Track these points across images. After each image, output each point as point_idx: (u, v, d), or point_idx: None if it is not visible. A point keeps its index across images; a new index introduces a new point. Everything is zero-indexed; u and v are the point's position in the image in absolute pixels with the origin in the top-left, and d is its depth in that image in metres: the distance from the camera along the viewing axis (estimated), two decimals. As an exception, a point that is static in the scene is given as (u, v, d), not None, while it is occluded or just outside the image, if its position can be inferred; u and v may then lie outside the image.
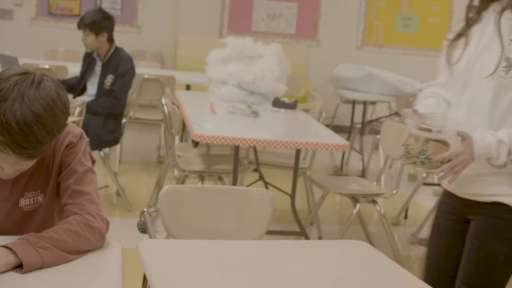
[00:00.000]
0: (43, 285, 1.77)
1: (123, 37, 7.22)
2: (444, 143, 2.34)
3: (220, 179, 4.73)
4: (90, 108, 5.31)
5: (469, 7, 2.53)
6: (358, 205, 4.47)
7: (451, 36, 2.56)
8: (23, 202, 2.15)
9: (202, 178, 4.62)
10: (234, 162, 4.23)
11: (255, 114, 4.82)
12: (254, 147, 5.16)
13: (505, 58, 2.37)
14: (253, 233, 2.63)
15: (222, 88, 5.41)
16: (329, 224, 5.52)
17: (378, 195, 4.55)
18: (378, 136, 4.85)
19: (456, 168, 2.34)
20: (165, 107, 4.74)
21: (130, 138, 7.50)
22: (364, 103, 7.50)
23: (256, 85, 5.33)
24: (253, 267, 2.04)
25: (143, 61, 8.11)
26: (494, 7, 2.46)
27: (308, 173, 5.01)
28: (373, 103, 8.21)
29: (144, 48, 9.04)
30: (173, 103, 5.07)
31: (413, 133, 2.37)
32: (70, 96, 5.61)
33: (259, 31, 9.36)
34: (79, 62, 6.12)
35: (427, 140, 2.34)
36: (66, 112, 1.97)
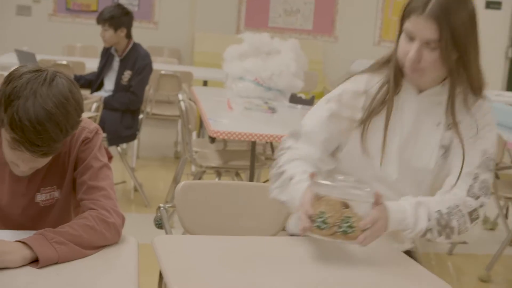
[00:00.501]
0: (59, 280, 1.77)
1: (140, 33, 7.22)
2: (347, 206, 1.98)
3: (237, 175, 4.73)
4: (107, 104, 5.32)
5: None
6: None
7: (355, 114, 2.21)
8: (40, 198, 2.16)
9: (219, 174, 4.61)
10: (251, 158, 4.22)
11: (272, 110, 4.81)
12: (271, 143, 5.14)
13: (441, 146, 2.20)
14: (269, 229, 2.62)
15: (239, 84, 5.40)
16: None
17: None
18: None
19: (375, 235, 1.99)
20: (182, 103, 4.74)
21: (148, 133, 7.51)
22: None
23: (273, 81, 5.32)
24: (269, 263, 2.03)
25: (160, 57, 8.12)
26: (406, 86, 2.22)
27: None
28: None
29: (161, 44, 9.05)
30: (190, 99, 5.07)
31: (326, 197, 1.96)
32: (87, 92, 5.63)
33: (276, 27, 9.34)
34: (96, 58, 6.14)
35: (345, 204, 1.96)
36: (79, 109, 1.97)
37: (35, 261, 1.83)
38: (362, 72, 2.30)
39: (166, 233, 2.57)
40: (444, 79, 2.18)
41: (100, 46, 5.79)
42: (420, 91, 2.21)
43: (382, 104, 2.19)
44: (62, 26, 9.00)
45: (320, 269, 2.00)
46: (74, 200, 2.19)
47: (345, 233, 1.95)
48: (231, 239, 2.24)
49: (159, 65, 6.79)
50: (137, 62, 5.50)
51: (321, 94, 8.82)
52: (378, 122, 2.21)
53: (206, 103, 4.86)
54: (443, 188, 2.18)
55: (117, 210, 2.07)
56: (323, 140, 2.24)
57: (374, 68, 2.28)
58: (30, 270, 1.81)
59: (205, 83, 7.02)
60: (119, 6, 5.59)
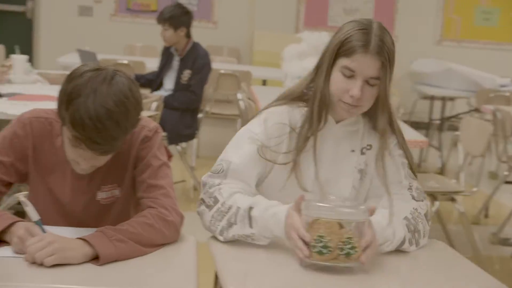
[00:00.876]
0: (119, 277, 1.79)
1: (199, 33, 7.25)
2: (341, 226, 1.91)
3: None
4: (167, 103, 5.36)
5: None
6: (437, 202, 4.39)
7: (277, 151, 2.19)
8: (100, 196, 2.17)
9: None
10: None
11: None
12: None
13: (358, 171, 2.24)
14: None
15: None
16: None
17: (457, 192, 4.45)
18: (457, 133, 4.75)
19: (374, 253, 1.96)
20: (241, 102, 4.74)
21: (207, 133, 7.54)
22: (443, 99, 7.36)
23: (332, 80, 5.28)
24: (326, 267, 2.01)
25: (220, 56, 8.15)
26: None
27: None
28: (452, 99, 8.04)
29: (220, 43, 9.08)
30: (249, 98, 5.07)
31: (321, 220, 1.89)
32: (147, 91, 5.68)
33: (335, 26, 9.27)
34: (156, 57, 6.19)
35: (341, 225, 1.88)
36: (139, 108, 1.98)
37: (95, 258, 1.85)
38: (277, 104, 2.27)
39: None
40: None
41: (160, 45, 5.84)
42: (337, 121, 2.23)
43: (306, 140, 2.19)
44: (123, 26, 9.11)
45: (380, 270, 1.98)
46: (134, 198, 2.20)
47: (348, 255, 1.89)
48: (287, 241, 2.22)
49: (218, 65, 6.82)
50: (196, 61, 5.53)
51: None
52: (303, 156, 2.20)
53: (265, 103, 4.83)
54: (382, 205, 2.17)
55: (176, 208, 2.08)
56: (256, 174, 2.20)
57: (288, 100, 2.26)
58: (91, 267, 1.83)
59: (264, 83, 7.02)
60: (179, 6, 5.63)
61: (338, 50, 2.10)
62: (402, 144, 2.27)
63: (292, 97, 2.26)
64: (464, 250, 2.15)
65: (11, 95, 4.31)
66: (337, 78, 2.12)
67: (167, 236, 2.01)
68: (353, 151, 2.24)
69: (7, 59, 5.13)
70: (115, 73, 1.94)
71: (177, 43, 5.57)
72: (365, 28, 2.09)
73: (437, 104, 7.64)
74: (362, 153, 2.24)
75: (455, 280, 1.98)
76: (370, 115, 2.22)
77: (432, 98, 7.55)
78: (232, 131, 7.65)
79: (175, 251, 2.00)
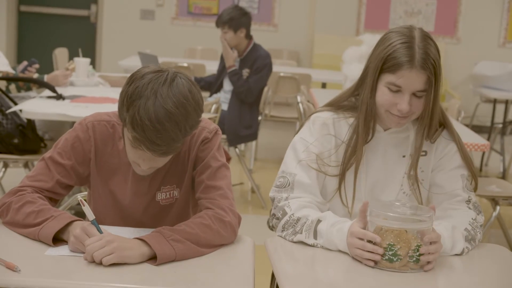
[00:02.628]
0: (176, 277, 1.80)
1: (260, 35, 7.26)
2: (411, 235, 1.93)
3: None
4: (239, 94, 5.41)
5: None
6: (498, 207, 4.31)
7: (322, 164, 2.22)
8: (160, 196, 2.20)
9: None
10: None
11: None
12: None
13: (409, 176, 2.24)
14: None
15: (358, 86, 5.34)
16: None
17: (520, 197, 4.37)
18: (520, 137, 4.65)
19: (437, 257, 1.97)
20: (300, 105, 4.74)
21: (266, 135, 7.55)
22: (506, 102, 7.23)
23: (393, 83, 5.23)
24: (386, 273, 1.98)
25: (280, 59, 8.15)
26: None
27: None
28: (515, 102, 7.91)
29: (280, 46, 9.09)
30: (308, 101, 5.06)
31: (389, 228, 1.91)
32: (206, 94, 5.71)
33: (397, 29, 9.18)
34: (216, 60, 6.22)
35: (414, 236, 1.92)
36: (199, 110, 1.99)
37: (152, 258, 1.87)
38: (324, 109, 2.29)
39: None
40: None
41: (220, 48, 5.85)
42: (385, 129, 2.24)
43: (354, 153, 2.21)
44: (184, 29, 9.18)
45: (440, 274, 1.95)
46: (193, 199, 2.22)
47: (417, 262, 1.92)
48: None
49: (278, 67, 6.82)
50: (257, 61, 5.52)
51: (442, 97, 8.63)
52: (350, 171, 2.23)
53: (324, 105, 4.83)
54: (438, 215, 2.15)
55: (234, 209, 2.08)
56: (318, 184, 2.22)
57: (334, 107, 2.28)
58: (149, 266, 1.85)
59: (323, 85, 7.00)
60: (237, 8, 5.63)
61: (382, 66, 2.11)
62: (462, 153, 2.26)
63: (338, 105, 2.27)
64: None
65: (73, 97, 4.39)
66: (383, 93, 2.13)
67: (224, 236, 2.02)
68: (404, 156, 2.25)
69: (69, 62, 5.22)
70: (175, 75, 1.96)
71: (238, 45, 5.57)
72: (407, 41, 2.09)
73: (500, 107, 7.50)
74: (417, 160, 2.23)
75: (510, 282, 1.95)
76: (421, 123, 2.21)
77: (494, 101, 7.42)
78: (290, 134, 7.65)
79: (232, 252, 2.00)
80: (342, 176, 2.21)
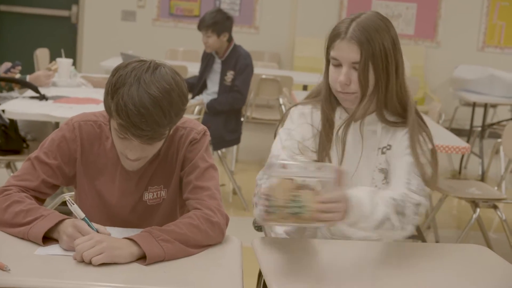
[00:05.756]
0: (165, 277, 1.81)
1: (241, 38, 7.29)
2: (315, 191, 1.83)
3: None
4: (211, 108, 5.38)
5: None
6: (478, 209, 4.35)
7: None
8: (147, 196, 2.21)
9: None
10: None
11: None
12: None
13: (379, 170, 2.27)
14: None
15: (340, 88, 5.37)
16: (446, 228, 5.40)
17: (499, 200, 4.42)
18: (499, 140, 4.70)
19: (335, 217, 1.87)
20: (283, 107, 4.76)
21: (247, 137, 7.54)
22: (485, 105, 7.29)
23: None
24: (370, 268, 2.02)
25: (261, 61, 8.17)
26: (340, 115, 2.29)
27: (426, 175, 4.90)
28: (494, 105, 7.97)
29: (261, 48, 9.11)
30: (290, 103, 5.08)
31: (279, 181, 1.80)
32: (188, 96, 5.70)
33: (377, 32, 9.23)
34: (198, 62, 6.22)
35: (298, 187, 1.80)
36: (183, 97, 2.03)
37: (141, 258, 1.88)
38: (302, 103, 2.37)
39: (266, 235, 2.59)
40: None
41: (201, 50, 5.86)
42: (356, 120, 2.27)
43: (330, 141, 2.27)
44: (165, 31, 9.17)
45: (423, 275, 1.98)
46: (180, 200, 2.23)
47: (296, 214, 1.79)
48: (331, 242, 2.24)
49: (260, 69, 6.84)
50: (238, 62, 5.54)
51: (422, 100, 8.69)
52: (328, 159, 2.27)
53: (306, 107, 4.85)
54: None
55: (222, 210, 2.10)
56: None
57: (311, 99, 2.36)
58: (138, 266, 1.86)
59: (305, 88, 7.03)
60: (220, 12, 5.62)
61: (328, 44, 2.23)
62: (412, 141, 2.21)
63: (313, 98, 2.35)
64: (505, 257, 2.13)
65: (56, 98, 4.39)
66: (330, 71, 2.22)
67: (212, 237, 2.03)
68: (379, 149, 2.27)
69: (52, 63, 5.21)
70: (158, 65, 2.02)
71: (219, 48, 5.59)
72: (350, 18, 2.19)
73: (479, 111, 7.57)
74: (383, 153, 2.27)
75: (498, 285, 1.97)
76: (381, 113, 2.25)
77: (474, 104, 7.48)
78: (272, 136, 7.67)
79: (221, 252, 2.02)
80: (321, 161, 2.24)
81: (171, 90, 1.97)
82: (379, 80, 2.17)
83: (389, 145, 2.27)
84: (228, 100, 5.49)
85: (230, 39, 5.59)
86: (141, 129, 1.94)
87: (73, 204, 1.96)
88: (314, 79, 6.96)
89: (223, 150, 5.93)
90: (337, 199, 1.86)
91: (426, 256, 2.15)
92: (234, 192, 5.76)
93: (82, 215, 1.96)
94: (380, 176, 2.26)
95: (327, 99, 2.27)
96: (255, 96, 6.69)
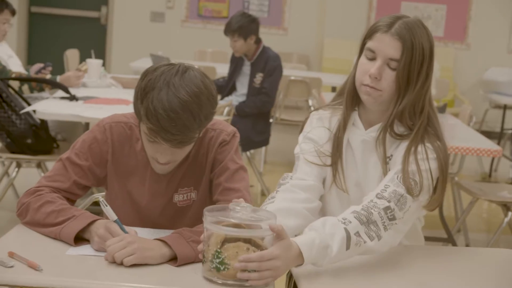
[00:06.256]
0: (197, 278, 1.81)
1: (269, 39, 7.29)
2: (255, 243, 1.75)
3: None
4: (240, 111, 5.39)
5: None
6: (510, 213, 4.31)
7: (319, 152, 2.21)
8: (177, 198, 2.21)
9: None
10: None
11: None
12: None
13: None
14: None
15: (369, 90, 5.35)
16: (476, 232, 5.35)
17: (531, 203, 4.37)
18: (531, 143, 4.65)
19: (264, 275, 1.75)
20: (312, 109, 4.74)
21: (275, 138, 7.54)
22: (516, 108, 7.24)
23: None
24: (400, 271, 2.00)
25: (289, 63, 8.16)
26: (354, 121, 2.21)
27: (456, 178, 4.88)
28: (525, 108, 7.91)
29: (290, 50, 9.10)
30: (319, 105, 5.07)
31: (211, 230, 1.76)
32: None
33: (406, 34, 9.18)
34: (226, 63, 6.24)
35: (226, 239, 1.74)
36: (213, 100, 2.02)
37: (173, 259, 1.88)
38: (321, 107, 2.32)
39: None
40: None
41: (230, 51, 5.86)
42: (366, 128, 2.20)
43: (342, 143, 2.20)
44: (194, 32, 9.20)
45: (452, 279, 1.96)
46: (210, 202, 2.23)
47: (217, 269, 1.74)
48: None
49: (288, 71, 6.84)
50: (267, 64, 5.54)
51: (452, 102, 8.63)
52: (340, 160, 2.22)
53: (335, 109, 4.83)
54: None
55: (252, 212, 2.09)
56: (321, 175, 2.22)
57: (332, 105, 2.29)
58: (169, 267, 1.86)
59: (333, 89, 7.01)
60: (244, 15, 5.60)
61: (366, 35, 2.14)
62: (410, 150, 2.10)
63: (334, 103, 2.29)
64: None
65: (86, 99, 4.41)
66: (361, 63, 2.14)
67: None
68: (382, 158, 2.17)
69: (82, 63, 5.25)
70: (187, 68, 2.01)
71: (248, 51, 5.59)
72: (396, 16, 2.12)
73: (510, 113, 7.51)
74: (387, 163, 2.16)
75: None
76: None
77: (505, 107, 7.43)
78: (300, 138, 7.67)
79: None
80: (335, 166, 2.20)
81: (201, 93, 1.97)
82: (410, 84, 2.08)
83: (392, 155, 2.16)
84: (257, 104, 5.50)
85: (258, 41, 5.58)
86: (171, 133, 1.94)
87: (107, 206, 1.97)
88: (342, 81, 6.91)
89: (252, 151, 5.93)
90: (263, 257, 1.75)
91: (457, 260, 2.13)
92: (263, 193, 5.75)
93: (115, 217, 1.96)
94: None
95: (351, 95, 2.19)
96: (284, 98, 6.69)
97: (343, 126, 2.20)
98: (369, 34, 2.12)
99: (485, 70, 7.80)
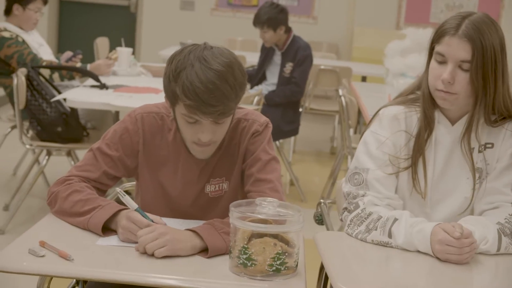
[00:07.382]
0: (228, 270, 1.79)
1: (299, 28, 7.24)
2: (282, 239, 1.74)
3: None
4: (269, 100, 5.37)
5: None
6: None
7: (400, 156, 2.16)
8: (209, 188, 2.19)
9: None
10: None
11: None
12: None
13: (476, 169, 2.15)
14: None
15: (400, 80, 5.29)
16: None
17: None
18: None
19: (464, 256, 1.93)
20: (342, 98, 4.71)
21: (305, 128, 7.52)
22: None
23: (435, 78, 5.18)
24: (428, 262, 1.97)
25: (319, 52, 8.12)
26: (438, 118, 2.17)
27: None
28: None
29: (320, 39, 9.06)
30: (349, 95, 5.03)
31: (238, 226, 1.75)
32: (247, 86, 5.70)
33: (437, 23, 9.00)
34: (256, 52, 6.21)
35: (253, 234, 1.73)
36: (243, 72, 2.04)
37: (204, 251, 1.87)
38: (394, 103, 2.24)
39: (327, 229, 2.55)
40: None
41: (260, 40, 5.84)
42: (453, 123, 2.17)
43: (424, 145, 2.16)
44: (224, 20, 9.19)
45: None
46: (241, 192, 2.21)
47: (244, 265, 1.74)
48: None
49: (318, 60, 6.79)
50: (298, 53, 5.51)
51: None
52: (420, 164, 2.18)
53: (366, 99, 4.81)
54: (485, 207, 2.14)
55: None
56: (393, 181, 2.18)
57: (404, 99, 2.24)
58: (200, 259, 1.85)
59: (363, 79, 6.96)
60: (273, 5, 5.58)
61: (433, 39, 2.10)
62: None
63: (406, 99, 2.22)
64: None
65: (116, 87, 4.41)
66: (432, 67, 2.10)
67: (274, 230, 2.00)
68: (472, 149, 2.15)
69: (112, 52, 5.25)
70: (212, 46, 2.02)
71: (278, 41, 5.57)
72: (461, 15, 2.07)
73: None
74: (480, 151, 2.15)
75: None
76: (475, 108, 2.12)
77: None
78: (329, 127, 7.65)
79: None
80: (414, 168, 2.16)
81: (232, 63, 1.99)
82: (487, 83, 2.05)
83: (490, 143, 2.15)
84: (286, 93, 5.47)
85: (288, 30, 5.55)
86: (211, 105, 1.94)
87: (125, 196, 1.96)
88: (373, 70, 6.90)
89: (281, 141, 5.91)
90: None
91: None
92: (292, 183, 5.73)
93: (135, 205, 1.95)
94: (476, 175, 2.16)
95: (428, 97, 2.14)
96: (313, 87, 6.66)
97: (428, 125, 2.16)
98: (437, 37, 2.09)
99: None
